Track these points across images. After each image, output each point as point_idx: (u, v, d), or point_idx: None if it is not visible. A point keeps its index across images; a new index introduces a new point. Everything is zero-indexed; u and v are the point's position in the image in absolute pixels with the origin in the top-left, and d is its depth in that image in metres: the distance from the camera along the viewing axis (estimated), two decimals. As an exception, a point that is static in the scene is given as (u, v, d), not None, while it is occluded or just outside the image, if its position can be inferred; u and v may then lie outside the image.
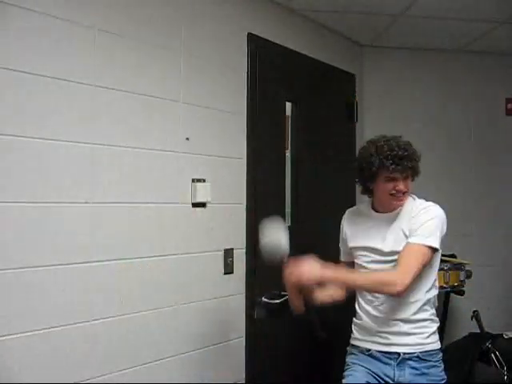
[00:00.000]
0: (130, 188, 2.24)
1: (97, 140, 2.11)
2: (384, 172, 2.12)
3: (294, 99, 3.21)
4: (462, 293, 3.36)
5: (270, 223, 2.10)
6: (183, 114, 2.47)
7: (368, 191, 2.26)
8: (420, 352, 2.14)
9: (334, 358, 3.45)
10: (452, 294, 3.56)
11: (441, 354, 2.21)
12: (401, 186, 2.14)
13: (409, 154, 2.13)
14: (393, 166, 2.09)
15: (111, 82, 2.16)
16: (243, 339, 2.78)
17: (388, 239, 2.17)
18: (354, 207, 2.47)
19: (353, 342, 2.30)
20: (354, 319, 2.32)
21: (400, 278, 2.02)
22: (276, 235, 2.06)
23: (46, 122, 1.95)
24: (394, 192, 2.15)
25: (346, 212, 2.41)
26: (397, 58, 3.90)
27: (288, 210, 3.15)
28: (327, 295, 2.21)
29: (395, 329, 2.15)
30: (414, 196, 2.25)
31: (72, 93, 2.02)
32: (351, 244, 2.31)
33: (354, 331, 2.30)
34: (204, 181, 2.54)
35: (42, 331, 1.91)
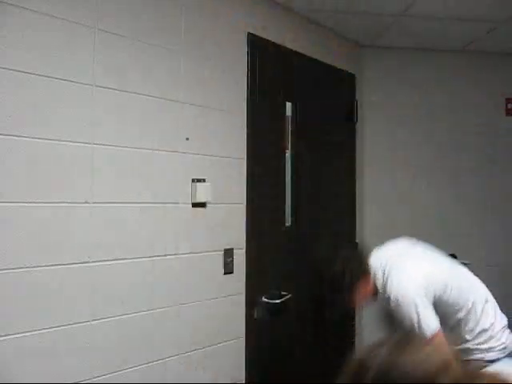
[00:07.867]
0: (129, 188, 2.24)
1: (97, 140, 2.11)
2: None
3: (294, 99, 3.21)
4: (462, 293, 3.35)
5: None
6: (183, 114, 2.48)
7: None
8: None
9: (333, 357, 3.46)
10: (452, 294, 3.55)
11: None
12: None
13: None
14: None
15: (111, 81, 2.16)
16: (243, 339, 2.78)
17: None
18: None
19: None
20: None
21: None
22: None
23: (46, 121, 1.95)
24: None
25: None
26: (397, 57, 3.90)
27: (288, 209, 3.15)
28: None
29: None
30: None
31: (72, 93, 2.02)
32: None
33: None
34: (204, 181, 2.54)
35: (41, 331, 1.91)
